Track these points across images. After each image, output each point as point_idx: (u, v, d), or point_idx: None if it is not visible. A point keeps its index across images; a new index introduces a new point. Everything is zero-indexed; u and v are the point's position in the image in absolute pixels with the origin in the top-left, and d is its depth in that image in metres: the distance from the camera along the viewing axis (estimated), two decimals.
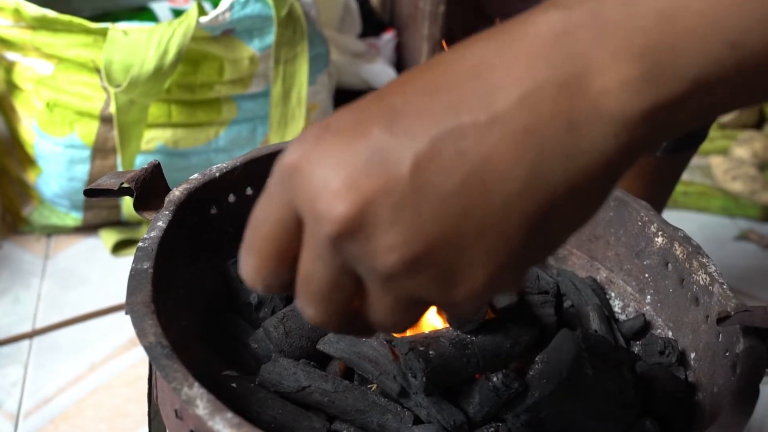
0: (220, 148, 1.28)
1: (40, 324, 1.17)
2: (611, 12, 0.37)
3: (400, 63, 1.57)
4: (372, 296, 0.41)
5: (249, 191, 0.80)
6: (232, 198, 0.79)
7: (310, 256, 0.40)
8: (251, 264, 0.43)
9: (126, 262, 1.29)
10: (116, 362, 1.12)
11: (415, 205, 0.37)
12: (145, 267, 0.63)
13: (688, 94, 0.37)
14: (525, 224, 0.37)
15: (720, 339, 0.68)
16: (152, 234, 0.67)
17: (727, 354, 0.66)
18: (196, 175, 0.75)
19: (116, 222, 1.33)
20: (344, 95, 1.51)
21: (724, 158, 1.61)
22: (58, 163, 1.23)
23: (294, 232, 0.41)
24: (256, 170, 0.80)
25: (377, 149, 0.38)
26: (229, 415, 0.52)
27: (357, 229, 0.38)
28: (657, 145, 0.39)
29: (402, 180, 0.37)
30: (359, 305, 0.42)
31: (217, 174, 0.76)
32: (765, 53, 0.36)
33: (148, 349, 0.57)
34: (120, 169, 1.21)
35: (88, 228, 1.33)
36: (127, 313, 0.59)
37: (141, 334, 0.58)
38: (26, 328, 1.16)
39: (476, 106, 0.37)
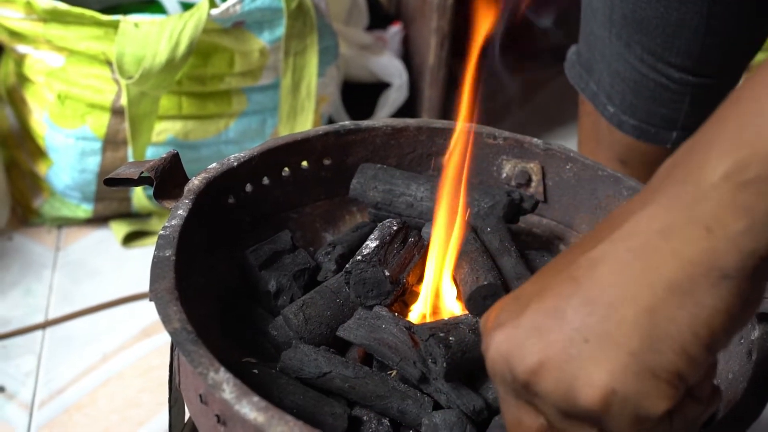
0: (230, 140, 1.28)
1: (53, 315, 1.17)
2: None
3: (408, 56, 1.58)
4: None
5: (266, 181, 0.80)
6: (249, 188, 0.79)
7: None
8: None
9: (136, 253, 1.29)
10: (128, 353, 1.13)
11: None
12: (168, 254, 0.64)
13: None
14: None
15: None
16: (173, 222, 0.68)
17: (742, 341, 0.67)
18: (214, 165, 0.75)
19: (126, 214, 1.34)
20: (352, 88, 1.51)
21: None
22: (69, 155, 1.23)
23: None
24: (273, 160, 0.80)
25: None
26: (256, 398, 0.53)
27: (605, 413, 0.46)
28: None
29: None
30: None
31: (235, 163, 0.76)
32: None
33: (174, 334, 0.57)
34: (131, 160, 1.22)
35: (99, 220, 1.34)
36: (151, 300, 0.60)
37: (166, 320, 0.58)
38: (39, 319, 1.16)
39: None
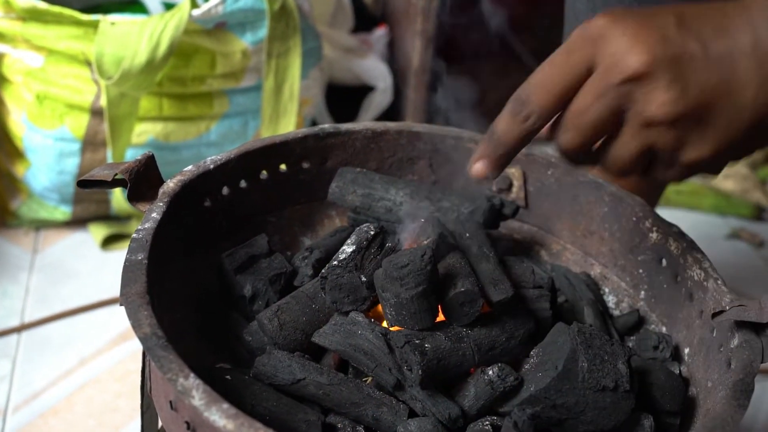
0: (211, 142, 1.27)
1: (29, 318, 1.16)
2: None
3: (393, 59, 1.57)
4: (624, 137, 0.57)
5: (243, 184, 0.79)
6: (225, 191, 0.78)
7: (593, 94, 0.56)
8: (541, 82, 0.58)
9: (115, 256, 1.28)
10: (106, 357, 1.11)
11: (687, 77, 0.54)
12: (140, 258, 0.63)
13: None
14: (750, 121, 0.55)
15: (714, 334, 0.68)
16: (146, 225, 0.66)
17: (722, 349, 0.67)
18: (190, 167, 0.74)
19: (105, 216, 1.33)
20: (336, 90, 1.50)
21: None
22: (47, 156, 1.22)
23: (582, 78, 0.57)
24: (250, 163, 0.79)
25: (667, 34, 0.55)
26: (225, 405, 0.52)
27: (644, 79, 0.54)
28: None
29: (684, 57, 0.55)
30: (606, 142, 0.59)
31: (212, 166, 0.75)
32: None
33: (144, 340, 0.56)
34: (110, 162, 1.20)
35: (77, 222, 1.32)
36: (121, 304, 0.59)
37: (136, 325, 0.57)
38: (14, 322, 1.15)
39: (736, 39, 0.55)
